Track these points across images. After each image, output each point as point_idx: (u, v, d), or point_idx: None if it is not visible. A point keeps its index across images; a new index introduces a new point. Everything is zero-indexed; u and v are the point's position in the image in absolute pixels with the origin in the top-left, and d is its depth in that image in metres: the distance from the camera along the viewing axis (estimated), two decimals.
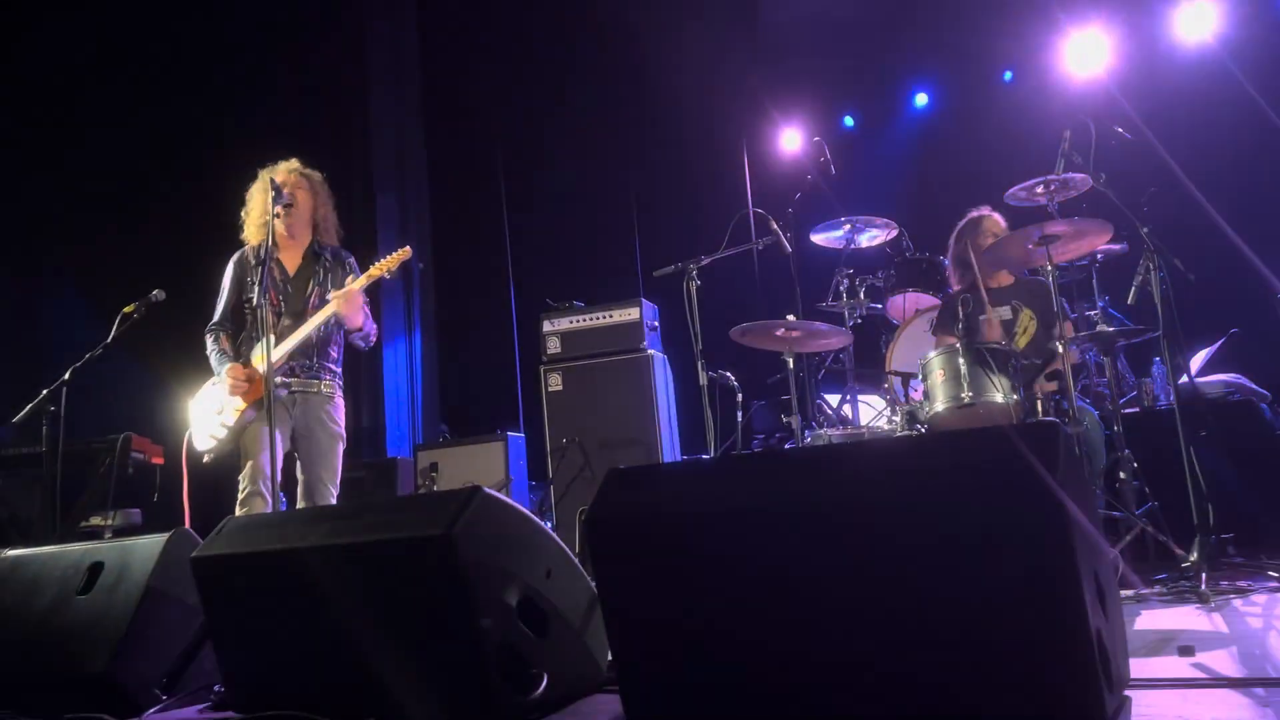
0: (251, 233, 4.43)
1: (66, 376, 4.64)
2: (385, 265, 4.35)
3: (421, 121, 8.87)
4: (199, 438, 4.24)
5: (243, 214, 4.47)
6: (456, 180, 8.71)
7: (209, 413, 4.24)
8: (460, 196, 8.70)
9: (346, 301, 4.22)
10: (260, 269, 4.19)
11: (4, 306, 7.30)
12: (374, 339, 4.49)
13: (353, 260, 4.54)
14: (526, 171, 8.47)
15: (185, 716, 2.81)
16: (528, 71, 8.34)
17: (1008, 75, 7.35)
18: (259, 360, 4.14)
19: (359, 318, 4.30)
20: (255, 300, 4.21)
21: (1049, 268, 4.09)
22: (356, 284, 4.28)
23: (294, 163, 4.46)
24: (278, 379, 4.11)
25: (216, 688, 2.89)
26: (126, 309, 4.59)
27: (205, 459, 4.23)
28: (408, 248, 4.44)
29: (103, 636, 2.92)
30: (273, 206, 4.14)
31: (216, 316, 4.40)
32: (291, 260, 4.41)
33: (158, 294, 4.62)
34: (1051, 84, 6.88)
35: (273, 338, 4.11)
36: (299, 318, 4.27)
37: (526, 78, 8.35)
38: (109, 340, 4.59)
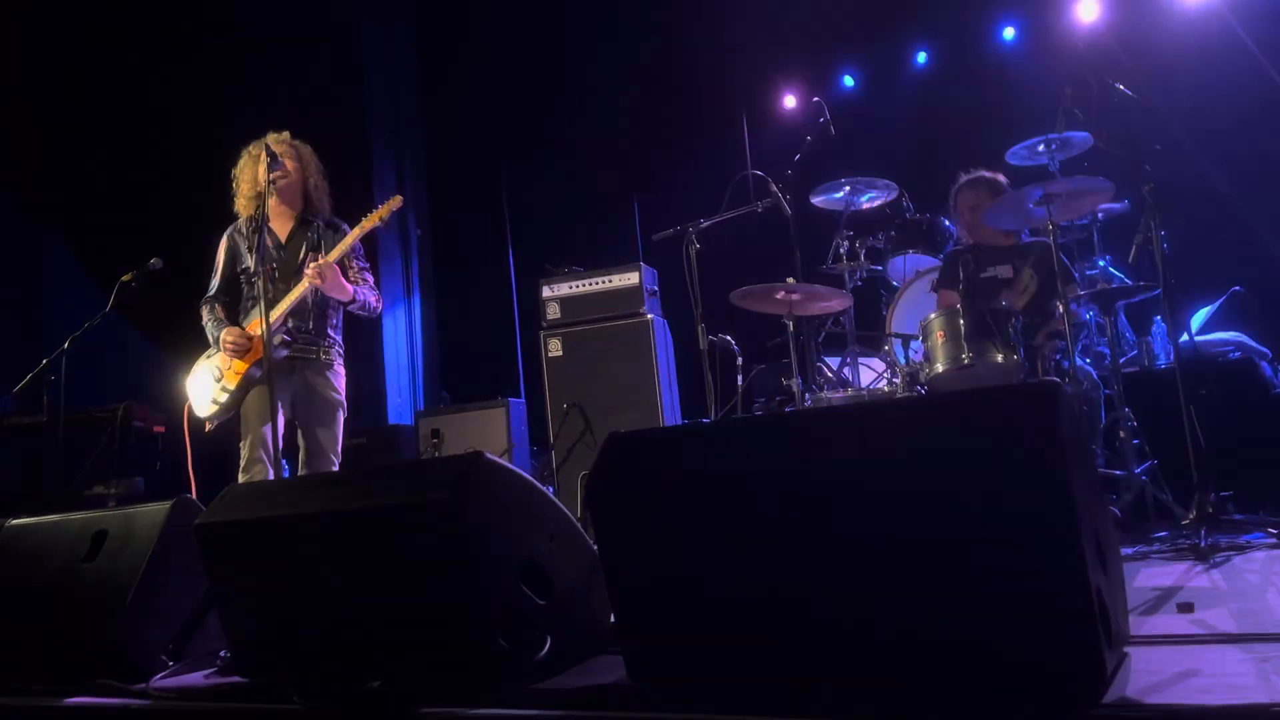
0: (243, 205, 4.41)
1: (66, 345, 4.65)
2: (375, 217, 4.29)
3: (417, 85, 8.81)
4: (199, 405, 4.25)
5: (233, 186, 4.45)
6: (453, 144, 8.66)
7: (208, 381, 4.24)
8: (457, 160, 8.65)
9: (323, 275, 4.15)
10: (256, 237, 4.19)
11: (5, 278, 7.29)
12: (377, 306, 4.45)
13: (346, 227, 4.52)
14: (524, 135, 8.41)
15: (191, 682, 2.83)
16: (525, 33, 8.27)
17: (1009, 33, 7.28)
18: (255, 326, 4.13)
19: (345, 290, 4.24)
20: (253, 268, 4.21)
21: (1050, 227, 4.07)
22: (333, 253, 4.22)
23: (284, 134, 4.43)
24: (276, 339, 4.10)
25: (222, 653, 2.91)
26: (124, 278, 4.60)
27: (208, 426, 4.24)
28: (398, 196, 4.39)
29: (108, 604, 2.94)
30: (269, 173, 4.13)
31: (212, 290, 4.40)
32: (283, 228, 4.41)
33: (155, 262, 4.62)
34: (1053, 41, 6.81)
35: (268, 303, 4.11)
36: (293, 283, 4.26)
37: (524, 40, 8.28)
38: (107, 309, 4.59)
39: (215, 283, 4.40)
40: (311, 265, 4.16)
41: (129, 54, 7.38)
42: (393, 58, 8.58)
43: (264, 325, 3.91)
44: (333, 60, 8.04)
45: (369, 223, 4.29)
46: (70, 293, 7.32)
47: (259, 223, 4.17)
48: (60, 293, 7.45)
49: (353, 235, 4.28)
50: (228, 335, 4.19)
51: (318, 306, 4.31)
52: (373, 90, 8.33)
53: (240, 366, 4.16)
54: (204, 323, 4.36)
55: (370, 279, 4.45)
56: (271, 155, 4.15)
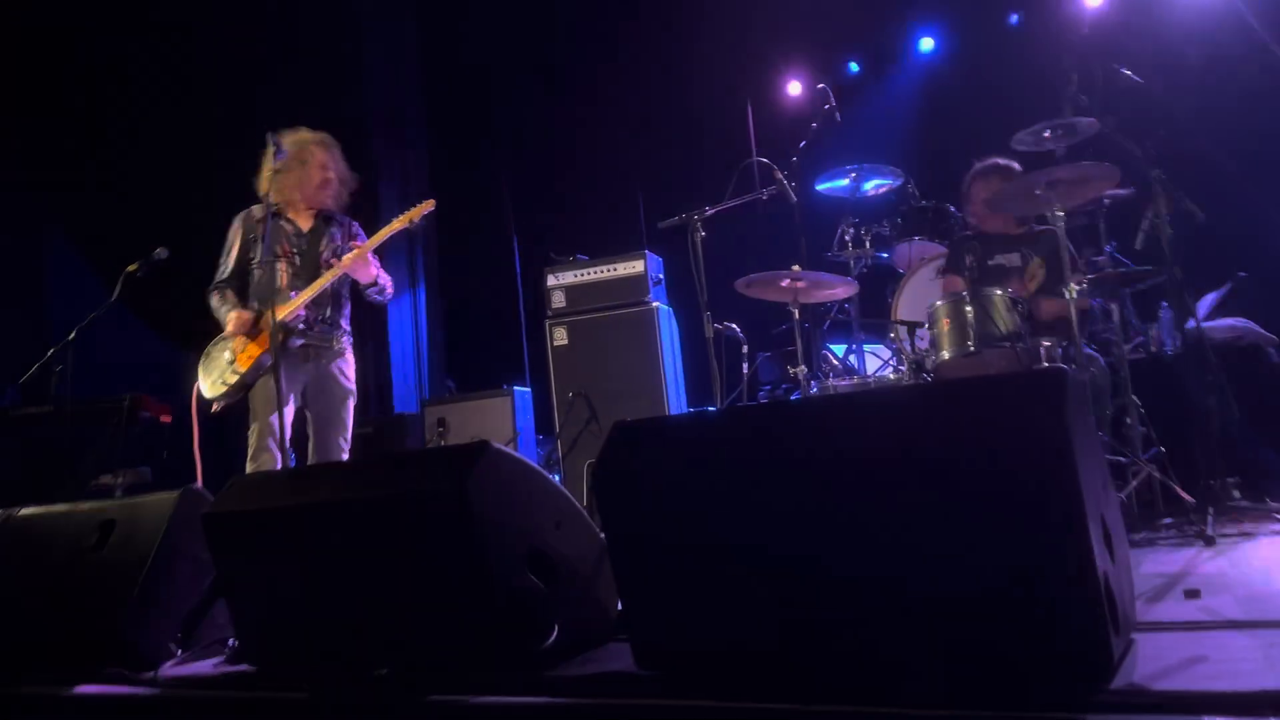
0: (271, 187, 4.40)
1: (72, 336, 4.65)
2: (407, 218, 4.33)
3: (420, 76, 8.79)
4: (208, 386, 4.25)
5: (261, 182, 4.46)
6: (456, 134, 8.65)
7: (220, 362, 4.25)
8: (461, 150, 8.64)
9: (357, 262, 4.23)
10: (261, 226, 4.20)
11: (9, 268, 7.30)
12: (390, 291, 4.51)
13: (357, 227, 4.55)
14: (527, 124, 8.39)
15: (200, 670, 2.84)
16: (527, 23, 8.24)
17: (1014, 18, 7.25)
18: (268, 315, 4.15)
19: (371, 271, 4.31)
20: (260, 257, 4.22)
21: (1057, 213, 4.05)
22: (370, 242, 4.28)
23: (321, 135, 4.46)
24: (294, 327, 4.15)
25: (230, 642, 2.92)
26: (130, 268, 4.60)
27: (214, 407, 4.25)
28: (430, 201, 4.42)
29: (116, 593, 2.95)
30: (274, 161, 4.15)
31: (223, 275, 4.38)
32: (303, 220, 4.42)
33: (160, 252, 4.62)
34: (1059, 26, 6.78)
35: (284, 292, 4.14)
36: (313, 273, 4.28)
37: (526, 30, 8.25)
38: (113, 299, 4.59)
39: (226, 267, 4.39)
40: (347, 255, 4.23)
41: (129, 43, 7.37)
42: (395, 45, 8.56)
43: (273, 314, 3.93)
44: (335, 49, 8.02)
45: (399, 223, 4.32)
46: (74, 283, 7.33)
47: (270, 212, 4.18)
48: (64, 283, 7.45)
49: (384, 232, 4.31)
50: (235, 315, 4.20)
51: (335, 296, 4.35)
52: (375, 78, 8.31)
53: (254, 350, 4.17)
54: (214, 307, 4.35)
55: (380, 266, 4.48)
56: (276, 145, 4.16)
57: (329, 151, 4.44)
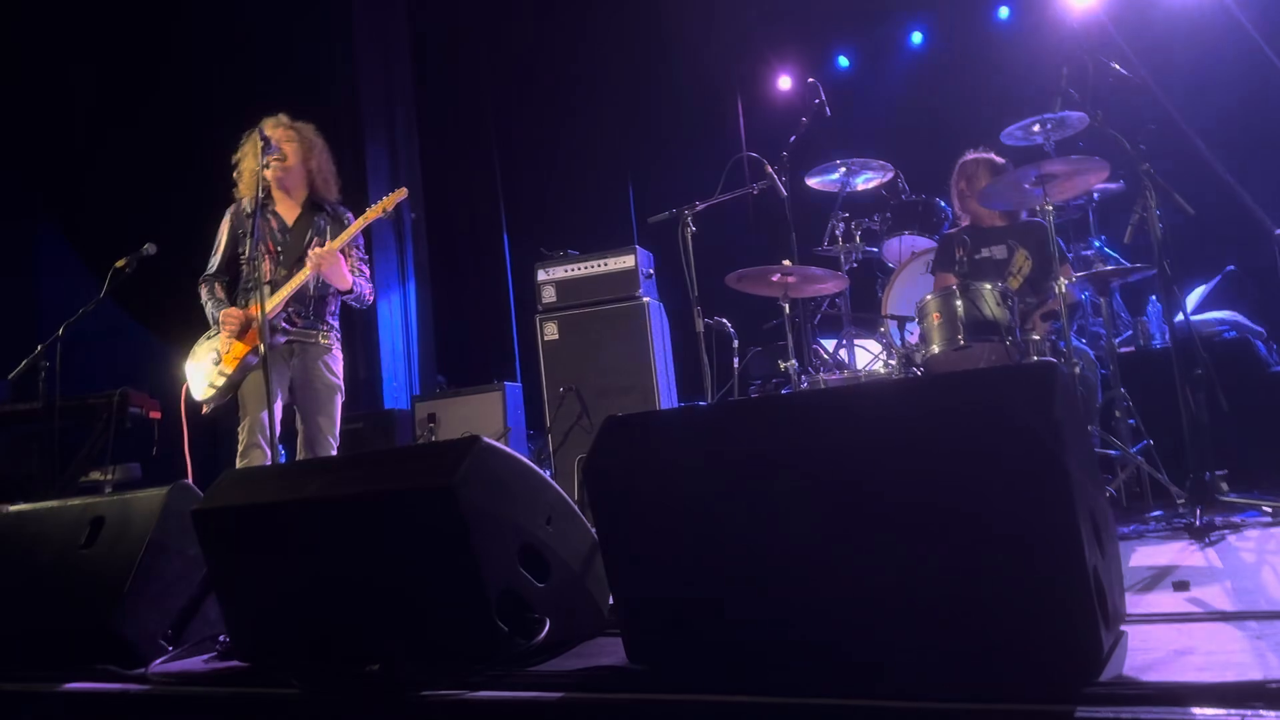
0: (245, 190, 4.39)
1: (60, 332, 4.63)
2: (380, 208, 4.31)
3: (411, 69, 8.76)
4: (196, 388, 4.24)
5: (234, 174, 4.43)
6: (448, 128, 8.62)
7: (206, 363, 4.24)
8: (452, 145, 8.62)
9: (324, 261, 4.15)
10: (251, 221, 4.18)
11: (2, 264, 7.26)
12: (369, 299, 4.46)
13: (350, 217, 4.51)
14: (518, 119, 8.38)
15: (190, 666, 2.84)
16: (518, 17, 8.22)
17: (1004, 12, 7.26)
18: (256, 310, 4.13)
19: (345, 279, 4.24)
20: (249, 252, 4.20)
21: (1046, 208, 4.07)
22: (336, 241, 4.23)
23: (282, 116, 4.41)
24: (276, 324, 4.11)
25: (221, 638, 2.92)
26: (118, 263, 4.58)
27: (204, 409, 4.24)
28: (403, 189, 4.40)
29: (107, 589, 2.94)
30: (263, 157, 4.12)
31: (212, 268, 4.38)
32: (289, 212, 4.40)
33: (149, 248, 4.60)
34: (1048, 21, 6.78)
35: (268, 288, 4.11)
36: (296, 268, 4.26)
37: (517, 24, 8.23)
38: (101, 295, 4.57)
39: (215, 261, 4.39)
40: (314, 251, 4.16)
41: (121, 38, 7.33)
42: (385, 41, 8.52)
43: (261, 309, 3.91)
44: (325, 44, 7.99)
45: (373, 213, 4.29)
46: (63, 278, 7.29)
47: (258, 206, 4.16)
48: (53, 278, 7.42)
49: (356, 225, 4.28)
50: (226, 315, 4.18)
51: (318, 292, 4.31)
52: (366, 74, 8.28)
53: (239, 350, 4.15)
54: (203, 301, 4.35)
55: (367, 271, 4.45)
56: (265, 140, 4.14)
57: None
